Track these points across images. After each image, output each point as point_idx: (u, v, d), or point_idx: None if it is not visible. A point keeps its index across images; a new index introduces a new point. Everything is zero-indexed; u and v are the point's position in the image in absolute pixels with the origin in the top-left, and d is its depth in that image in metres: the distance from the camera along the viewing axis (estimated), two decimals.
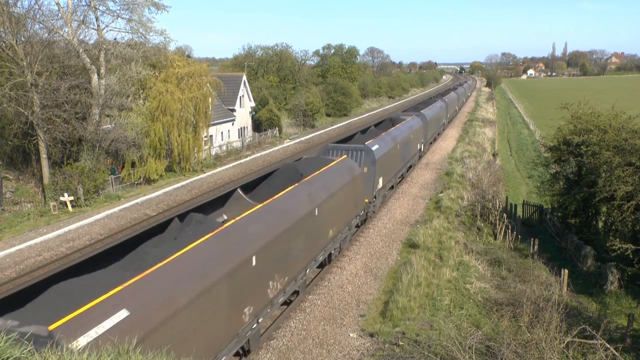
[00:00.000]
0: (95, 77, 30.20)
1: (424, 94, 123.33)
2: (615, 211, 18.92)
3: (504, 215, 23.89)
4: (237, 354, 12.19)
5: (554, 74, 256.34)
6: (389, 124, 35.32)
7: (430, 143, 46.97)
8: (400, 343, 13.31)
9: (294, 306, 15.59)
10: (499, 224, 23.37)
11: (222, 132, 45.23)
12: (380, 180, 24.87)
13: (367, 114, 79.35)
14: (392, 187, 29.65)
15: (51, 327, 6.92)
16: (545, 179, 27.57)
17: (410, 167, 35.74)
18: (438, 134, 52.68)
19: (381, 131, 30.32)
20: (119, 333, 7.26)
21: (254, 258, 11.36)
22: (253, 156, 43.07)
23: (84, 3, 30.86)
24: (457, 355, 10.80)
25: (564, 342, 10.72)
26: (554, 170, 26.33)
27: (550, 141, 26.19)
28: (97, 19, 31.14)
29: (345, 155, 21.59)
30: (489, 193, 28.90)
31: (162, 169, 33.91)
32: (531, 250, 21.08)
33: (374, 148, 24.02)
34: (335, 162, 19.38)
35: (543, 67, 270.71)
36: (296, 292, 15.44)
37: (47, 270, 9.71)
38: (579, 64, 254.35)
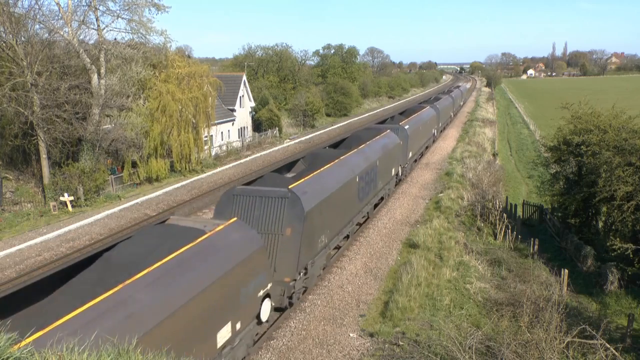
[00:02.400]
0: (95, 77, 30.21)
1: (424, 94, 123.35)
2: (615, 211, 18.91)
3: (504, 215, 23.90)
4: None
5: (554, 74, 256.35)
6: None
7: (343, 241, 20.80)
8: (400, 343, 13.31)
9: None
10: (499, 224, 23.37)
11: (222, 132, 45.23)
12: None
13: (367, 114, 79.37)
14: None
15: None
16: (545, 179, 27.58)
17: None
18: (386, 196, 27.57)
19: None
20: None
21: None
22: (253, 156, 43.06)
23: (84, 3, 30.90)
24: (457, 355, 10.80)
25: (564, 342, 10.72)
26: (554, 170, 26.33)
27: (550, 141, 26.19)
28: (97, 19, 31.16)
29: None
30: (489, 193, 28.90)
31: (165, 169, 33.97)
32: (531, 250, 21.09)
33: None
34: None
35: (543, 67, 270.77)
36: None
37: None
38: (579, 64, 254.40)
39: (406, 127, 32.33)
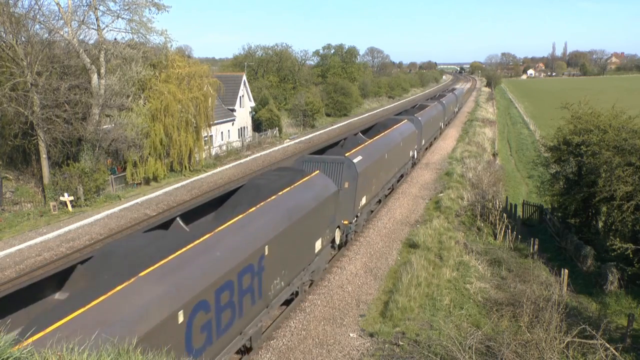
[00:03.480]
0: (95, 77, 30.22)
1: (424, 94, 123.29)
2: (615, 211, 18.92)
3: (504, 215, 23.91)
4: None
5: (554, 74, 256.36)
6: None
7: None
8: (400, 343, 13.31)
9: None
10: (499, 224, 23.37)
11: (222, 132, 45.24)
12: None
13: (367, 114, 79.38)
14: None
15: None
16: (545, 179, 27.58)
17: None
18: (302, 290, 16.07)
19: None
20: None
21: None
22: (253, 156, 43.07)
23: (84, 3, 30.93)
24: (457, 355, 10.80)
25: (564, 342, 10.73)
26: (554, 170, 26.34)
27: (550, 141, 26.20)
28: (97, 19, 31.17)
29: None
30: (489, 193, 28.90)
31: (164, 169, 33.98)
32: (531, 250, 21.09)
33: None
34: None
35: (543, 67, 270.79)
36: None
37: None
38: (579, 64, 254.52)
39: (356, 159, 19.85)
